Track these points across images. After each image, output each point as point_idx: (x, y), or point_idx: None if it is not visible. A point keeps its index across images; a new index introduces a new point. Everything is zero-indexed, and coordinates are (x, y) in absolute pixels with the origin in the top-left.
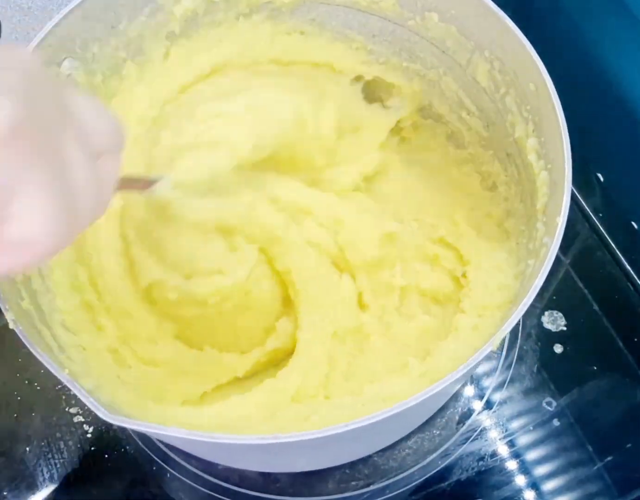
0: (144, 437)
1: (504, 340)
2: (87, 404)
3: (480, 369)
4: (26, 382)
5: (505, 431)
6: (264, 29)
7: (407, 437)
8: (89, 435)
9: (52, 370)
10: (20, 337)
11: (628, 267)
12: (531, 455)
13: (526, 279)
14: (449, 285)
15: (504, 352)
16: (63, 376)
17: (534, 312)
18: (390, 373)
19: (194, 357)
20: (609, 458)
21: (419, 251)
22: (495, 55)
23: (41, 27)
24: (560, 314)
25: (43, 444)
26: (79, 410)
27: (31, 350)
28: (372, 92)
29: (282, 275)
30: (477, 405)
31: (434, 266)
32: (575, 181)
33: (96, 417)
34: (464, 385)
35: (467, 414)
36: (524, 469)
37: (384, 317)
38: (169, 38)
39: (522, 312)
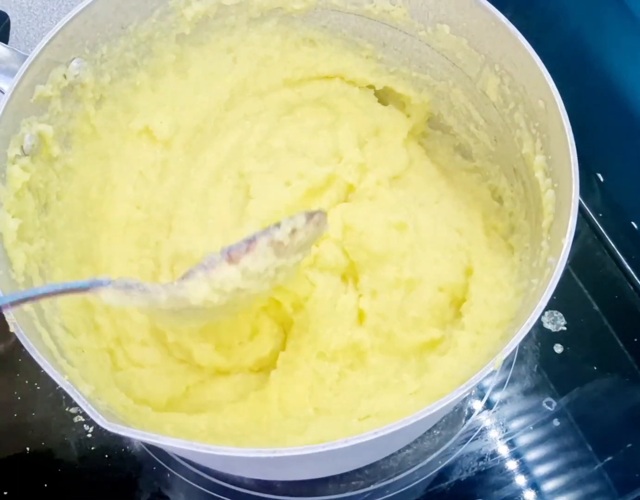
0: None
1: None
2: (86, 411)
3: None
4: (26, 382)
5: (506, 431)
6: (275, 42)
7: None
8: (89, 435)
9: (52, 376)
10: (21, 341)
11: (628, 267)
12: (531, 455)
13: (529, 298)
14: (463, 279)
15: None
16: (63, 382)
17: None
18: (384, 388)
19: (179, 361)
20: (609, 458)
21: (437, 235)
22: (506, 70)
23: (41, 27)
24: (560, 314)
25: (43, 444)
26: (79, 410)
27: (32, 355)
28: (382, 100)
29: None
30: (477, 405)
31: (453, 256)
32: None
33: None
34: None
35: (467, 414)
36: (524, 469)
37: (382, 328)
38: (179, 41)
39: (525, 333)
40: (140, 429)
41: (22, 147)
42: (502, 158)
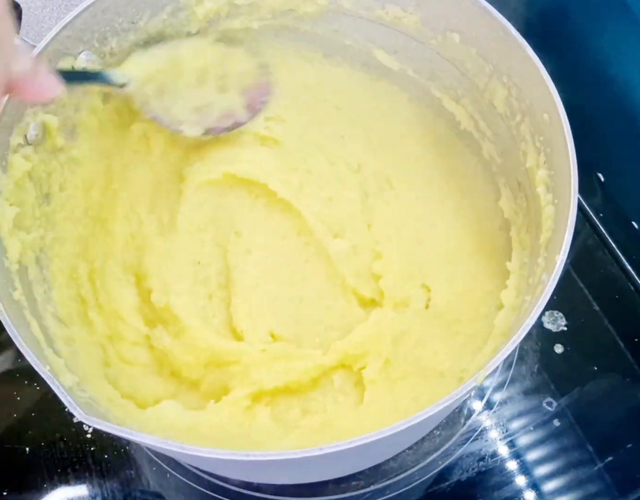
0: None
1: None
2: (64, 401)
3: None
4: (26, 382)
5: (506, 431)
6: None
7: None
8: (89, 436)
9: (34, 365)
10: (6, 327)
11: (628, 267)
12: (531, 456)
13: (522, 314)
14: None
15: None
16: (44, 372)
17: None
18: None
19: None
20: (610, 458)
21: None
22: (513, 82)
23: (40, 26)
24: (560, 314)
25: (43, 444)
26: None
27: (15, 342)
28: None
29: None
30: (478, 405)
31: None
32: None
33: None
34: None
35: (468, 414)
36: (525, 469)
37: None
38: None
39: (511, 350)
40: (122, 423)
41: (25, 136)
42: (508, 171)
